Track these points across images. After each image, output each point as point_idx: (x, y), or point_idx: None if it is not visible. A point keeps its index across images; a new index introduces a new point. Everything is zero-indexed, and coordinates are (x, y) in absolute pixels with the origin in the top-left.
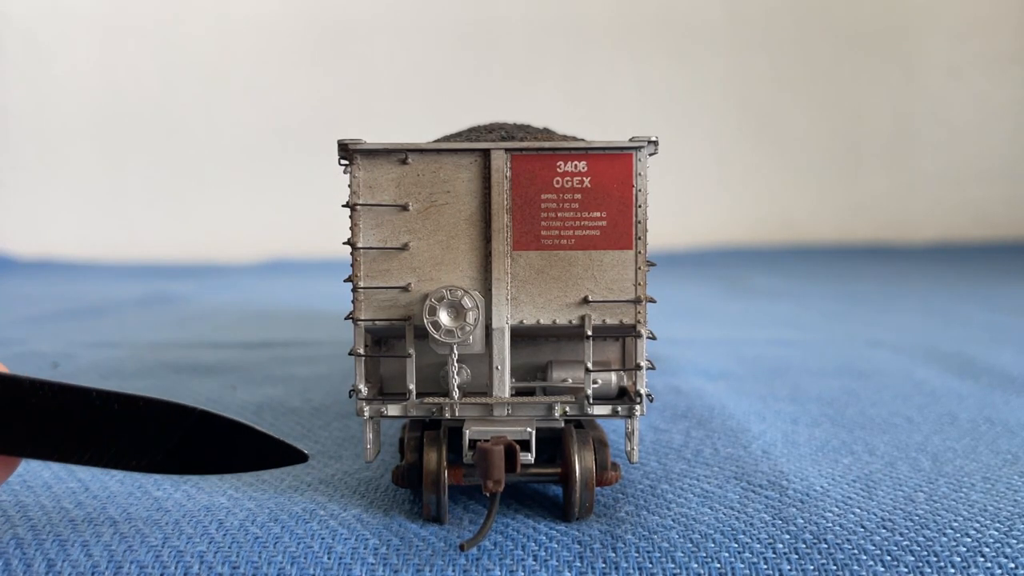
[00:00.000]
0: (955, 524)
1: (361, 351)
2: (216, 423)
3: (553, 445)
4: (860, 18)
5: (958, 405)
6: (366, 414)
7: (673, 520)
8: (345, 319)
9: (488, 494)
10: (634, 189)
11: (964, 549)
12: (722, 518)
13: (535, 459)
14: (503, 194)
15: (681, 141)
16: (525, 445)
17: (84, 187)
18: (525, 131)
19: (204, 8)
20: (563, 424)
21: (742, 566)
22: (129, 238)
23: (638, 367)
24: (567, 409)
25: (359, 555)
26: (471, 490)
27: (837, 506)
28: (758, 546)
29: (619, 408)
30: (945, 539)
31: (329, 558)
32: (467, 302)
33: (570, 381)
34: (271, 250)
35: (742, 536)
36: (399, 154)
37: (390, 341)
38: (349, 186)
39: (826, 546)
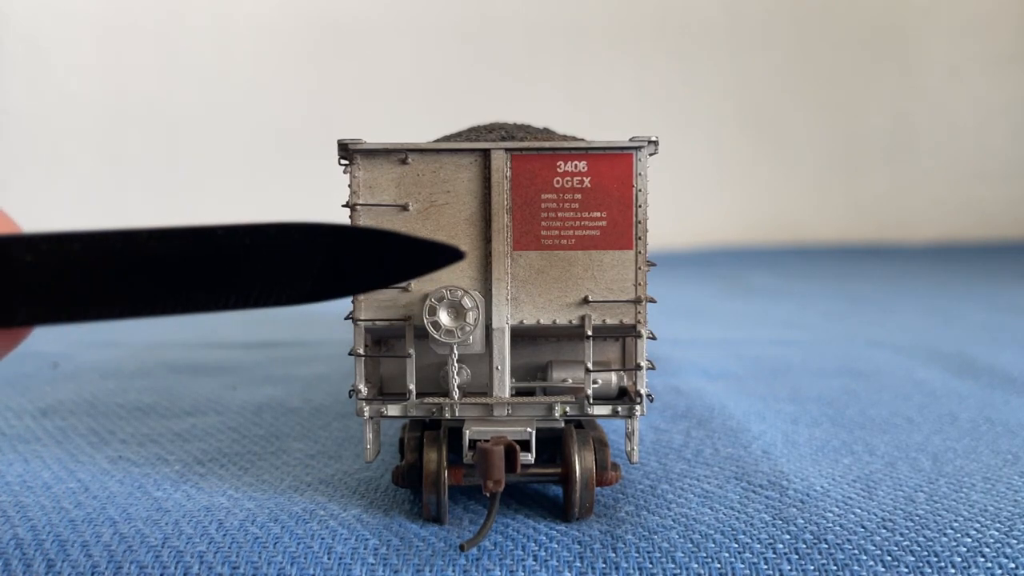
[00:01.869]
0: (955, 524)
1: (361, 351)
2: (358, 236)
3: (553, 445)
4: (860, 18)
5: (958, 405)
6: (366, 414)
7: (673, 520)
8: (345, 319)
9: (488, 494)
10: (634, 189)
11: (964, 549)
12: (722, 518)
13: (535, 459)
14: (503, 194)
15: (681, 141)
16: (525, 445)
17: (84, 187)
18: (525, 131)
19: (204, 8)
20: (563, 424)
21: (742, 566)
22: None
23: (638, 367)
24: (567, 409)
25: (359, 555)
26: (471, 490)
27: (837, 506)
28: (758, 546)
29: (619, 408)
30: (945, 539)
31: (329, 558)
32: (467, 302)
33: (570, 381)
34: None
35: (742, 536)
36: (399, 154)
37: (390, 341)
38: (349, 186)
39: (826, 546)
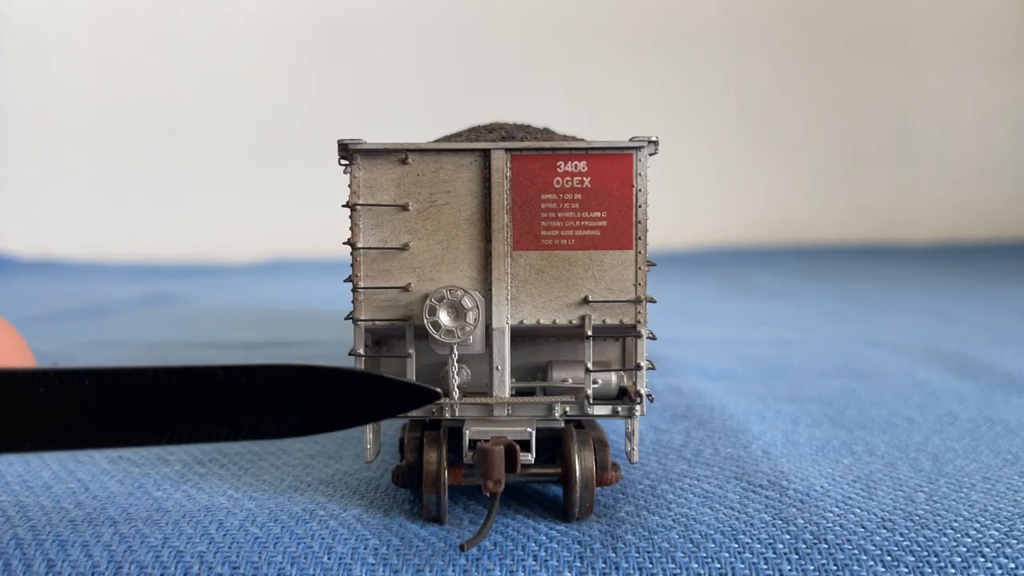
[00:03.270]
0: (955, 524)
1: (361, 351)
2: (345, 377)
3: (553, 445)
4: (860, 18)
5: (958, 405)
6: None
7: (673, 520)
8: (345, 319)
9: (488, 494)
10: (634, 189)
11: (964, 549)
12: (722, 518)
13: (535, 459)
14: (503, 194)
15: (681, 141)
16: (525, 445)
17: (84, 187)
18: (525, 131)
19: (204, 8)
20: (563, 424)
21: (742, 566)
22: (129, 238)
23: (638, 367)
24: (567, 409)
25: (359, 555)
26: (471, 490)
27: (837, 506)
28: (758, 546)
29: (619, 408)
30: (945, 539)
31: (329, 558)
32: (467, 302)
33: (570, 381)
34: (271, 250)
35: (742, 536)
36: (399, 154)
37: (390, 341)
38: (349, 186)
39: (826, 546)
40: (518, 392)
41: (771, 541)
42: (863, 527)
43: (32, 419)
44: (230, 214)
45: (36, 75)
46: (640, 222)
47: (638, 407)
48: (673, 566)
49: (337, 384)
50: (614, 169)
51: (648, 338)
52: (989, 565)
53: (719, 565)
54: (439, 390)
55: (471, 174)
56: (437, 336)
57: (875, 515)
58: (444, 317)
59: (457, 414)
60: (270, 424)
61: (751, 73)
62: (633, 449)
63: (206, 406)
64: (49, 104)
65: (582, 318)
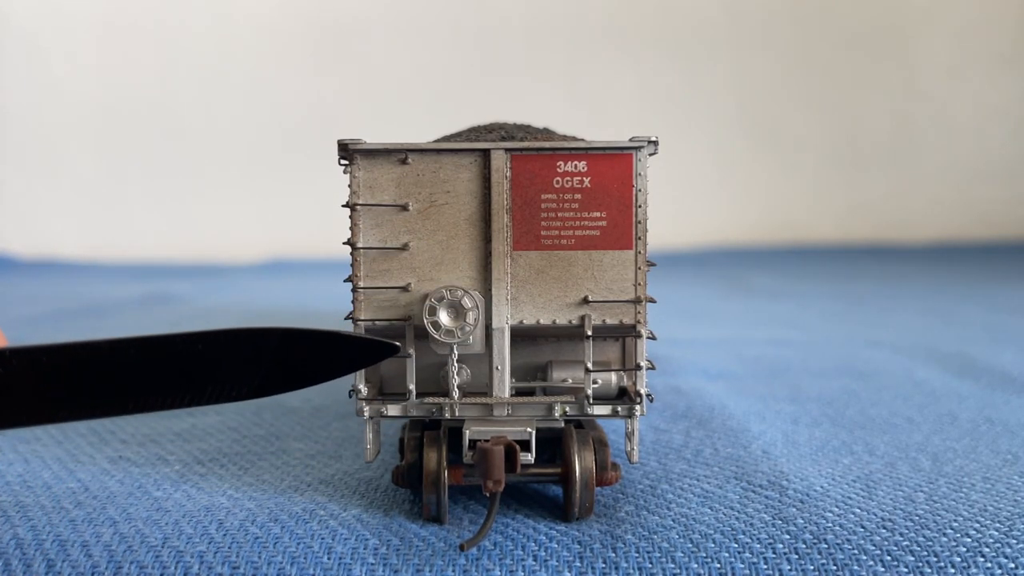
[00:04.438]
0: (955, 524)
1: None
2: (303, 337)
3: (553, 445)
4: (860, 18)
5: (958, 405)
6: (366, 414)
7: (673, 520)
8: (345, 319)
9: (488, 494)
10: (634, 189)
11: (964, 549)
12: (722, 518)
13: (535, 459)
14: (503, 194)
15: (681, 141)
16: (525, 445)
17: (84, 187)
18: (525, 131)
19: (204, 8)
20: (563, 424)
21: (742, 566)
22: (129, 238)
23: (638, 367)
24: (567, 409)
25: (359, 555)
26: (471, 490)
27: (837, 506)
28: (758, 546)
29: (619, 408)
30: (945, 539)
31: (329, 558)
32: (467, 302)
33: (570, 381)
34: (271, 250)
35: (742, 536)
36: (399, 154)
37: None
38: (349, 186)
39: (826, 546)
40: (518, 392)
41: (771, 541)
42: (863, 527)
43: None
44: (230, 214)
45: (36, 75)
46: (640, 222)
47: (638, 407)
48: (673, 566)
49: (294, 344)
50: (614, 169)
51: (648, 338)
52: (989, 565)
53: (719, 565)
54: (397, 344)
55: (471, 174)
56: (437, 336)
57: (875, 515)
58: (444, 317)
59: (457, 414)
60: (232, 387)
61: (751, 73)
62: (633, 449)
63: (166, 374)
64: (49, 104)
65: (582, 318)
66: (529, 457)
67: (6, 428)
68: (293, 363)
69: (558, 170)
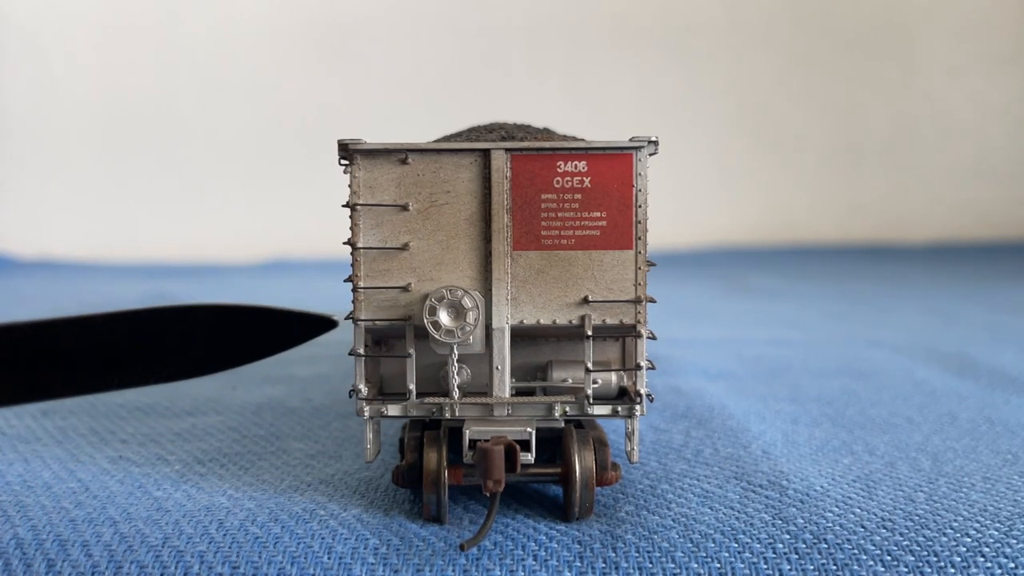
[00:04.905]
0: (955, 524)
1: (361, 351)
2: (235, 313)
3: (553, 445)
4: (860, 18)
5: (958, 405)
6: (366, 414)
7: (673, 520)
8: (345, 319)
9: (488, 494)
10: (634, 189)
11: (964, 549)
12: (722, 518)
13: (535, 459)
14: (503, 194)
15: (681, 141)
16: (525, 445)
17: (84, 187)
18: (525, 131)
19: (204, 8)
20: (563, 424)
21: (742, 566)
22: (129, 238)
23: (638, 367)
24: (567, 409)
25: (359, 555)
26: (471, 490)
27: (837, 506)
28: (758, 546)
29: (619, 408)
30: (945, 539)
31: (329, 558)
32: (467, 302)
33: (570, 381)
34: (271, 250)
35: (742, 536)
36: (399, 154)
37: (390, 341)
38: (349, 186)
39: (826, 546)
40: (518, 392)
41: (771, 541)
42: (863, 527)
43: None
44: (230, 214)
45: (36, 75)
46: (640, 222)
47: (638, 407)
48: (673, 566)
49: (228, 320)
50: (614, 169)
51: (648, 338)
52: (989, 565)
53: (719, 565)
54: (336, 319)
55: (471, 174)
56: (437, 336)
57: (875, 515)
58: (444, 317)
59: (457, 414)
60: (165, 367)
61: (751, 73)
62: (633, 449)
63: (90, 356)
64: (49, 104)
65: (582, 318)
66: (529, 457)
67: None
68: (228, 340)
69: (558, 170)
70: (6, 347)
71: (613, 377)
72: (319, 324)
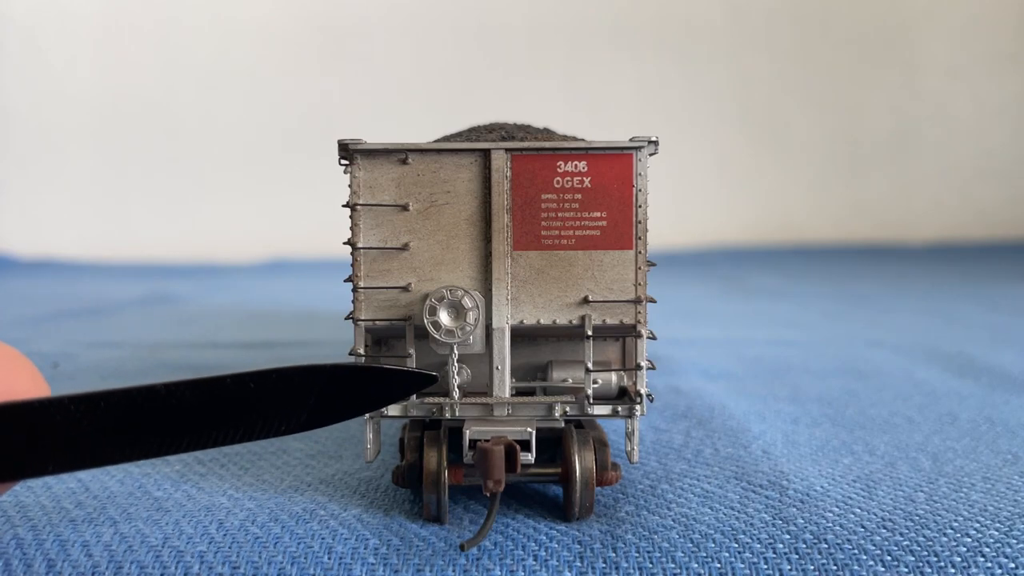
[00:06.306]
0: (955, 524)
1: (361, 351)
2: (349, 373)
3: (553, 445)
4: (860, 18)
5: (958, 405)
6: (366, 414)
7: (673, 520)
8: (345, 319)
9: (488, 494)
10: (634, 189)
11: (964, 549)
12: (722, 518)
13: (535, 459)
14: (503, 194)
15: (681, 141)
16: (525, 445)
17: (84, 187)
18: (525, 131)
19: (203, 8)
20: (563, 424)
21: (742, 566)
22: (129, 238)
23: (638, 367)
24: (567, 409)
25: (359, 555)
26: (471, 490)
27: (837, 506)
28: (758, 546)
29: (619, 408)
30: (945, 539)
31: (329, 558)
32: (467, 302)
33: (570, 381)
34: (271, 250)
35: (742, 536)
36: (399, 154)
37: (390, 341)
38: (349, 186)
39: (826, 546)
40: (518, 392)
41: (771, 541)
42: (863, 527)
43: (52, 444)
44: (230, 214)
45: (36, 74)
46: (640, 222)
47: (638, 407)
48: (673, 566)
49: (339, 379)
50: (614, 169)
51: (648, 338)
52: (989, 565)
53: (719, 565)
54: (435, 374)
55: (471, 174)
56: (437, 336)
57: (875, 515)
58: (444, 317)
59: (457, 414)
60: (280, 423)
61: (752, 73)
62: (633, 449)
63: (219, 413)
64: (49, 103)
65: (582, 318)
66: (529, 457)
67: (67, 471)
68: (339, 397)
69: (558, 170)
70: (146, 406)
71: (613, 377)
72: (420, 380)
